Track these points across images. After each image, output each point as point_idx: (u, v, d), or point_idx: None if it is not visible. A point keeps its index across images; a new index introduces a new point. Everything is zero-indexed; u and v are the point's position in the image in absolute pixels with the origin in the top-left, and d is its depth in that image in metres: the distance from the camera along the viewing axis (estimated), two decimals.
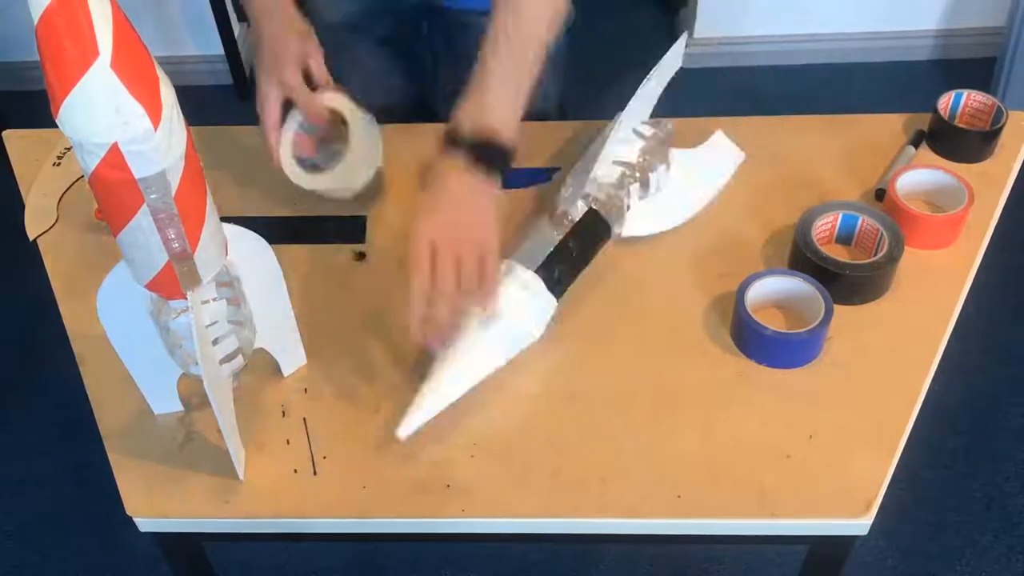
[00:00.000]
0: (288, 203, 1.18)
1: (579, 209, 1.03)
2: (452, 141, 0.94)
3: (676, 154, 1.14)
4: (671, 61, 1.16)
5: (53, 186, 1.22)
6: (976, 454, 1.73)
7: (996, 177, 1.17)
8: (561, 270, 0.99)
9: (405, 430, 0.91)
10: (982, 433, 1.76)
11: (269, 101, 1.07)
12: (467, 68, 0.96)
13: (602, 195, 1.05)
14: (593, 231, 1.03)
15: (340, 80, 1.15)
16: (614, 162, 1.09)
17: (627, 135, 1.11)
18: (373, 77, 1.36)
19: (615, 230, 1.06)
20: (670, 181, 1.13)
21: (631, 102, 1.10)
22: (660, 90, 1.17)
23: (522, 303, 0.96)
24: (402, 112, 1.31)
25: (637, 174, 1.09)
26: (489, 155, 0.93)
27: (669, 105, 1.21)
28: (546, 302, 0.97)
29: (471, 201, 0.93)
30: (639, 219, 1.10)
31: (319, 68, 1.10)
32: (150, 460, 0.94)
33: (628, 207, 1.08)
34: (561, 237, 1.00)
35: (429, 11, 1.31)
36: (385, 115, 1.18)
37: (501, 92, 0.95)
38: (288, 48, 1.07)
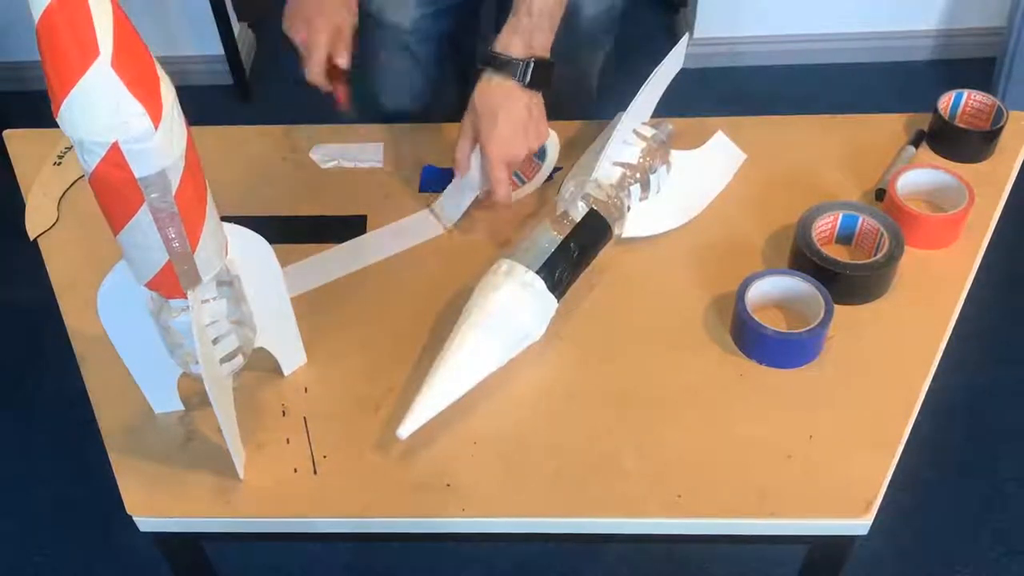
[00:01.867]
0: (288, 203, 1.18)
1: (580, 210, 1.03)
2: (501, 63, 1.06)
3: (677, 155, 1.14)
4: (672, 62, 1.15)
5: (53, 186, 1.22)
6: (976, 454, 1.73)
7: (996, 177, 1.17)
8: (562, 271, 0.99)
9: (405, 429, 0.91)
10: (982, 433, 1.76)
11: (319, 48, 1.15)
12: None
13: (603, 196, 1.05)
14: (594, 232, 1.03)
15: (366, 75, 1.28)
16: (615, 163, 1.09)
17: (628, 136, 1.11)
18: (407, 81, 1.39)
19: (615, 231, 1.06)
20: (670, 182, 1.13)
21: (632, 103, 1.10)
22: (661, 91, 1.17)
23: (522, 303, 0.96)
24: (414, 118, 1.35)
25: (638, 175, 1.09)
26: (538, 73, 1.07)
27: (669, 105, 1.21)
28: (547, 302, 0.97)
29: (530, 116, 1.08)
30: (639, 220, 1.10)
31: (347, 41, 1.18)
32: (150, 460, 0.94)
33: (629, 208, 1.08)
34: (562, 238, 1.00)
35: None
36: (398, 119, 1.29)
37: (544, 22, 1.08)
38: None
